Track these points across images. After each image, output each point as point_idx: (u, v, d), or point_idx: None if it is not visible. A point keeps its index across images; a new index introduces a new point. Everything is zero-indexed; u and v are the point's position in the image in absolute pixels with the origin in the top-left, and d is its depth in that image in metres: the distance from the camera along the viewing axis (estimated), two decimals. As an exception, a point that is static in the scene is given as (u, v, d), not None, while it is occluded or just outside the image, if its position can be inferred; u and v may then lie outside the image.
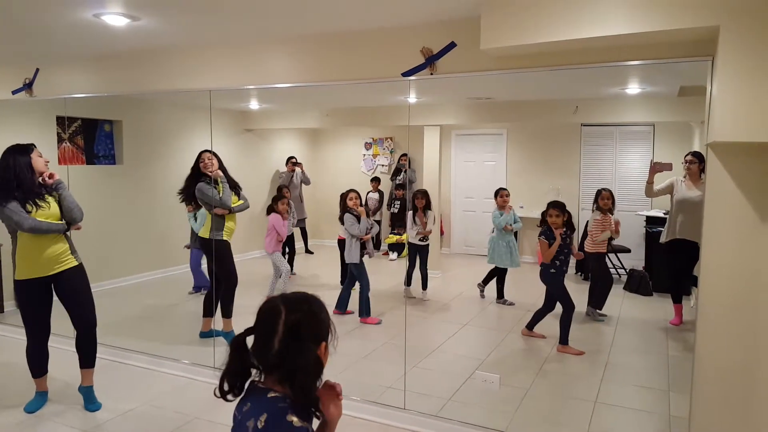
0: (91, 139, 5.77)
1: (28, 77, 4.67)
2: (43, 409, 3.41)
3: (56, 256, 3.29)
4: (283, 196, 5.67)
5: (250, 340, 1.39)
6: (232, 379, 1.37)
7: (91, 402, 3.43)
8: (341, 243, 5.37)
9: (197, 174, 4.33)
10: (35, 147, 3.34)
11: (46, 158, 3.37)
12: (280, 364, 1.32)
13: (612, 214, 4.82)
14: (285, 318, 1.33)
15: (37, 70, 4.63)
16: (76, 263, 3.39)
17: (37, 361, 3.43)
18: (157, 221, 6.11)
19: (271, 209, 5.52)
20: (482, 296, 5.73)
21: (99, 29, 3.56)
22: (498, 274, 5.59)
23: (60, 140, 5.38)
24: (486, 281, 5.69)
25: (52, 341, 3.48)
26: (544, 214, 4.47)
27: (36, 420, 3.29)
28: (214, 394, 1.38)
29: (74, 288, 3.39)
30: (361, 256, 5.12)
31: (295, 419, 1.28)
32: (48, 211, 3.26)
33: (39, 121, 5.29)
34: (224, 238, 4.31)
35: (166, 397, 3.63)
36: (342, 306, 5.23)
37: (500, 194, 5.40)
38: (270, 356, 1.32)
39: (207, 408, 3.45)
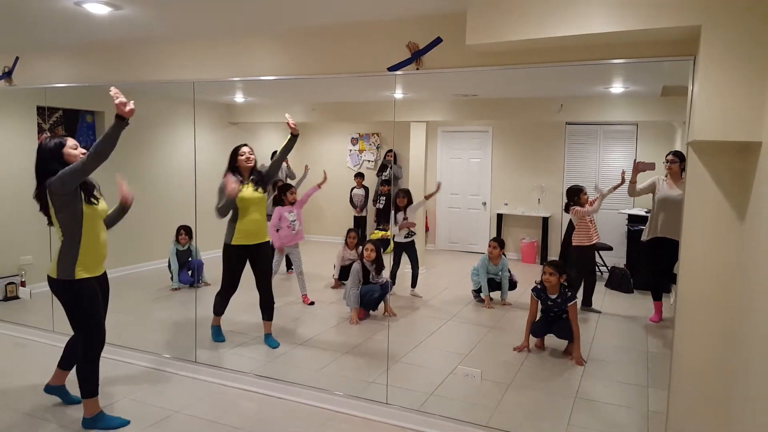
0: (73, 129, 5.68)
1: (7, 66, 4.58)
2: (17, 406, 3.36)
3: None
4: (290, 185, 5.55)
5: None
6: None
7: (67, 396, 3.37)
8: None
9: (232, 168, 4.05)
10: (71, 138, 3.10)
11: (83, 150, 3.07)
12: None
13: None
14: None
15: (17, 58, 4.55)
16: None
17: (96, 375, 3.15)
18: (140, 215, 6.02)
19: (278, 201, 5.39)
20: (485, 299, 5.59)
21: (80, 17, 3.51)
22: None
23: (41, 131, 5.29)
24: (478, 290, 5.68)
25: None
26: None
27: (11, 414, 3.24)
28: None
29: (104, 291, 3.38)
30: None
31: None
32: (100, 206, 3.12)
33: (19, 111, 5.20)
34: (226, 242, 4.11)
35: (146, 391, 3.60)
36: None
37: (492, 245, 5.56)
38: None
39: (187, 403, 3.43)
